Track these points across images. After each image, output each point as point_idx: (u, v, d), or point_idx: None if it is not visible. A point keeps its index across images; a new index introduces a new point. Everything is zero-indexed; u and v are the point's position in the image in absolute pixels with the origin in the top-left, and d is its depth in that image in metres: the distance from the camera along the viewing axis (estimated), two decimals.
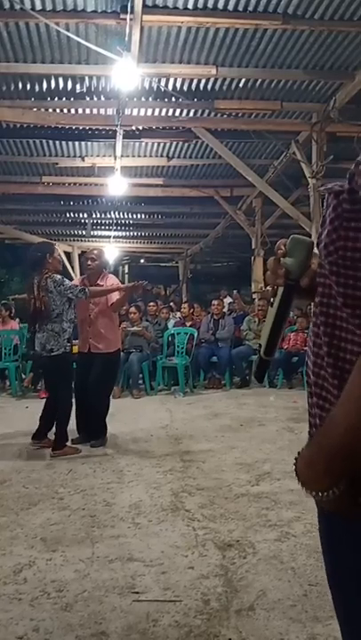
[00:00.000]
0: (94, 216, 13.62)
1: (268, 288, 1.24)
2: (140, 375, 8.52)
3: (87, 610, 2.50)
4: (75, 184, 10.57)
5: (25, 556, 3.03)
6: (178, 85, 6.74)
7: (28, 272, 5.24)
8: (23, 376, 8.79)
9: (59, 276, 5.13)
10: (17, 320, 9.50)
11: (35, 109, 7.23)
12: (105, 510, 3.71)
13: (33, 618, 2.44)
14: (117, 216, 13.62)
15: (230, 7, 5.22)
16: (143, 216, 13.78)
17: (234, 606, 2.51)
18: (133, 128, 7.76)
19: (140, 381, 8.55)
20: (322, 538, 1.11)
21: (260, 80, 6.61)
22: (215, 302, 9.46)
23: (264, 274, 10.59)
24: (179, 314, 10.58)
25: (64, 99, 7.03)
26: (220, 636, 2.28)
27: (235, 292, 14.63)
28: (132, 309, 8.96)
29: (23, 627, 2.37)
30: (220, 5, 5.19)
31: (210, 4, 5.18)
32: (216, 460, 4.85)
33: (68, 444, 5.11)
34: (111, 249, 16.61)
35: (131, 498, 3.92)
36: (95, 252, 5.74)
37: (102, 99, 7.07)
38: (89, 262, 5.51)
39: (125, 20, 5.08)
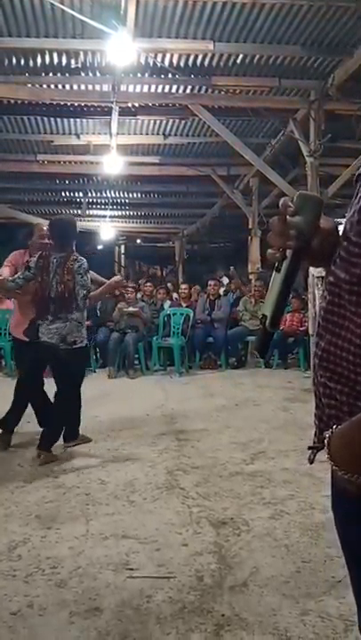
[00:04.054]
0: (90, 195, 13.50)
1: (272, 252, 1.15)
2: (136, 355, 8.53)
3: (81, 586, 2.51)
4: (70, 162, 10.46)
5: (19, 534, 3.04)
6: (174, 61, 6.63)
7: (55, 244, 4.51)
8: None
9: (85, 262, 4.53)
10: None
11: (29, 85, 7.12)
12: (100, 488, 3.72)
13: (27, 594, 2.45)
14: (113, 195, 13.50)
15: None
16: (139, 195, 13.65)
17: (227, 583, 2.52)
18: (129, 105, 7.66)
19: (136, 362, 8.56)
20: (340, 518, 1.07)
21: (257, 56, 6.51)
22: (212, 283, 9.45)
23: (261, 253, 10.55)
24: (175, 294, 10.55)
25: (58, 74, 6.92)
26: (214, 611, 2.30)
27: (231, 268, 14.53)
28: (130, 290, 8.95)
29: (17, 603, 2.38)
30: None
31: None
32: (211, 439, 4.86)
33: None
34: (107, 228, 16.49)
35: (126, 476, 3.93)
36: (46, 227, 4.89)
37: (97, 74, 6.96)
38: (47, 240, 4.73)
39: None
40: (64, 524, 3.17)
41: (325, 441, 0.94)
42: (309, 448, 1.05)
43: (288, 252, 1.03)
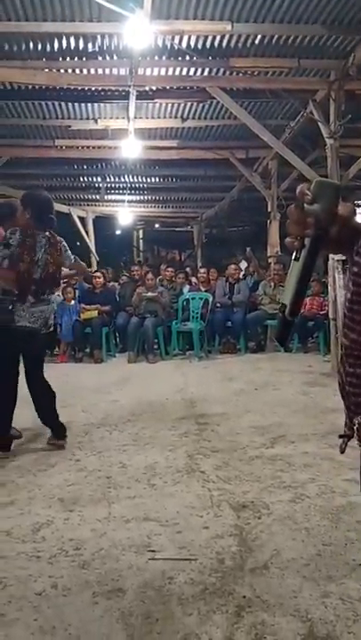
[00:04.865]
0: (108, 180, 13.48)
1: (290, 240, 1.14)
2: (156, 340, 8.56)
3: (104, 567, 2.55)
4: (88, 147, 10.44)
5: (43, 516, 3.10)
6: (192, 43, 6.54)
7: (36, 222, 4.15)
8: None
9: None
10: None
11: (46, 70, 7.10)
12: (121, 472, 3.76)
13: (51, 575, 2.50)
14: (131, 180, 13.46)
15: None
16: (157, 179, 13.59)
17: (248, 565, 2.55)
18: (147, 88, 7.60)
19: (156, 346, 8.60)
20: None
21: (276, 36, 6.39)
22: (232, 267, 9.45)
23: (280, 237, 10.47)
24: (194, 279, 10.54)
25: (76, 59, 6.86)
26: (235, 593, 2.33)
27: (248, 249, 14.41)
28: (149, 275, 8.97)
29: (42, 583, 2.43)
30: None
31: None
32: (231, 423, 4.88)
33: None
34: (125, 213, 16.46)
35: (146, 459, 3.97)
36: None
37: (115, 58, 6.89)
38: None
39: None
40: (86, 506, 3.22)
41: (355, 427, 0.94)
42: (340, 437, 1.05)
43: (306, 241, 1.02)
